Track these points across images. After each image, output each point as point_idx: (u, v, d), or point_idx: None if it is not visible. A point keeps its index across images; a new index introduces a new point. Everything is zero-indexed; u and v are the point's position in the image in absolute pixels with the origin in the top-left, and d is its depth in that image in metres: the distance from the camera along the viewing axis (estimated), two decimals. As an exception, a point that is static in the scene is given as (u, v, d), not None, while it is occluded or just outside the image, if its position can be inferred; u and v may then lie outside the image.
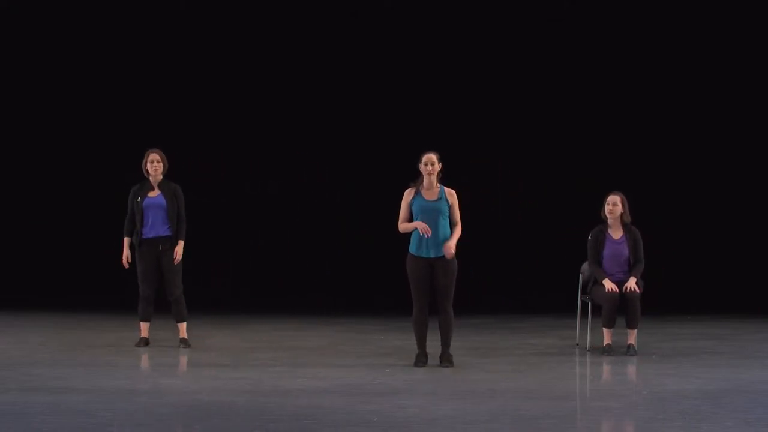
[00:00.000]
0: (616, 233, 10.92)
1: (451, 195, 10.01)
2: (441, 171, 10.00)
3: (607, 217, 10.92)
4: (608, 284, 10.72)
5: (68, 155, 15.38)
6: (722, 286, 14.83)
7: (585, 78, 15.07)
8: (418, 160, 9.99)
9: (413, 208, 9.97)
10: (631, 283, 10.68)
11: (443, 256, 9.92)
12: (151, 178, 11.08)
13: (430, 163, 9.94)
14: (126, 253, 11.11)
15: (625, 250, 10.88)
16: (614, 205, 10.88)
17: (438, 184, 10.01)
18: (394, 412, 7.94)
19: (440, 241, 9.92)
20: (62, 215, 15.35)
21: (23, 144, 15.49)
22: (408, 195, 10.02)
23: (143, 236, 11.04)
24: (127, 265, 11.16)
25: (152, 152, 11.08)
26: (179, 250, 11.04)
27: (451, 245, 9.89)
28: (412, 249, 10.01)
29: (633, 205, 10.98)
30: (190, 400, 8.41)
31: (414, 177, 10.03)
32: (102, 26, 15.20)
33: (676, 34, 14.97)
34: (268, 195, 15.36)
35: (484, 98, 15.20)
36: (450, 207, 9.98)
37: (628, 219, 10.93)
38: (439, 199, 9.96)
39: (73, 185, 15.32)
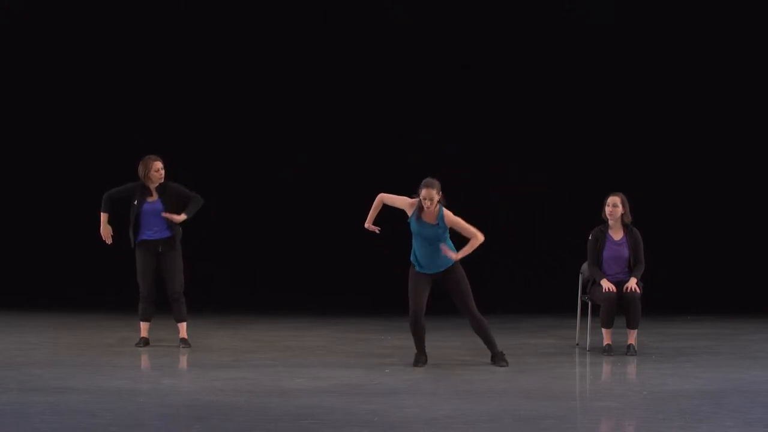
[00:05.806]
0: (616, 234, 10.91)
1: (448, 217, 9.83)
2: (441, 199, 9.81)
3: (607, 218, 10.92)
4: (606, 284, 10.72)
5: (65, 155, 15.36)
6: (722, 286, 14.82)
7: (586, 79, 15.05)
8: (419, 186, 9.78)
9: (411, 226, 9.89)
10: (632, 284, 10.68)
11: (446, 269, 9.89)
12: (151, 185, 11.02)
13: (429, 198, 9.75)
14: (107, 228, 10.99)
15: (626, 251, 10.86)
16: (614, 206, 10.86)
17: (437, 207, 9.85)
18: (394, 412, 7.94)
19: (441, 262, 9.89)
20: (62, 215, 15.32)
21: (21, 144, 15.47)
22: (410, 207, 9.85)
23: (141, 237, 11.02)
24: (110, 240, 11.04)
25: (156, 161, 10.97)
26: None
27: (452, 254, 9.81)
28: (415, 266, 9.98)
29: (633, 205, 10.97)
30: (190, 400, 8.41)
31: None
32: (99, 27, 15.21)
33: (677, 35, 14.96)
34: (266, 194, 15.34)
35: (484, 98, 15.19)
36: (451, 228, 9.85)
37: (628, 220, 10.91)
38: (437, 224, 9.84)
39: (73, 185, 15.28)
